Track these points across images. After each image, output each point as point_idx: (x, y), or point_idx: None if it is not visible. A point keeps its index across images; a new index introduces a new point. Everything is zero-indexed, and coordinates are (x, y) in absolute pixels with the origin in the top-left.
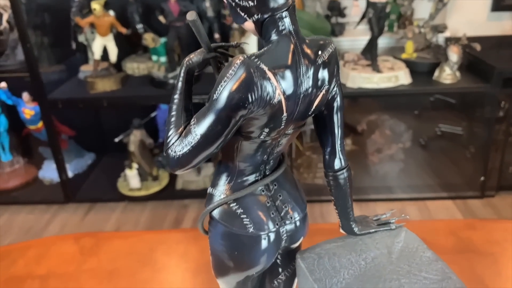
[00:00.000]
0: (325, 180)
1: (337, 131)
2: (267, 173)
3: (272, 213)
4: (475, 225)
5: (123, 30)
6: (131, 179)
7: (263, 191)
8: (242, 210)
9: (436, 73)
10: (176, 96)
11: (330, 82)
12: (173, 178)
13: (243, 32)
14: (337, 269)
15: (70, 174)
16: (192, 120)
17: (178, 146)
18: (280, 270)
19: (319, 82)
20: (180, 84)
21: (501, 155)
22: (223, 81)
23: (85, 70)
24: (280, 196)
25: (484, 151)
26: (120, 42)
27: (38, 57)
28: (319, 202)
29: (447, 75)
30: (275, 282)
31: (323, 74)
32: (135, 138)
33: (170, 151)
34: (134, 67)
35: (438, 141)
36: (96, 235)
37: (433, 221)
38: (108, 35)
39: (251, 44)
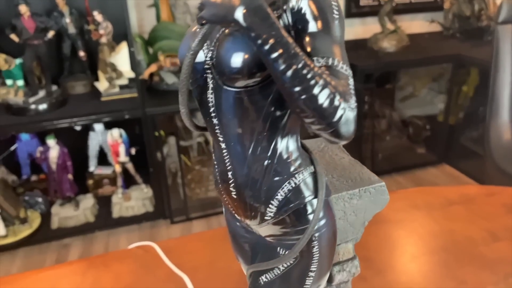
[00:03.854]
0: None
1: None
2: None
3: None
4: None
5: None
6: None
7: None
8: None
9: None
10: (283, 35)
11: None
12: (46, 217)
13: (112, 47)
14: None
15: None
16: (324, 58)
17: (348, 95)
18: None
19: None
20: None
21: (371, 146)
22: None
23: None
24: None
25: (356, 144)
26: None
27: None
28: (215, 214)
29: None
30: None
31: None
32: None
33: (342, 109)
34: None
35: None
36: None
37: None
38: None
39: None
